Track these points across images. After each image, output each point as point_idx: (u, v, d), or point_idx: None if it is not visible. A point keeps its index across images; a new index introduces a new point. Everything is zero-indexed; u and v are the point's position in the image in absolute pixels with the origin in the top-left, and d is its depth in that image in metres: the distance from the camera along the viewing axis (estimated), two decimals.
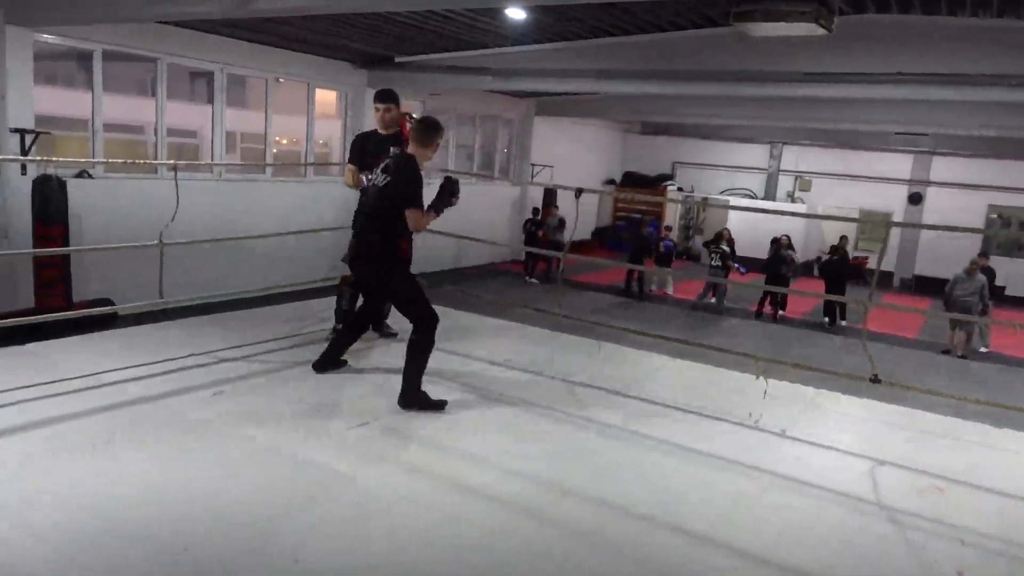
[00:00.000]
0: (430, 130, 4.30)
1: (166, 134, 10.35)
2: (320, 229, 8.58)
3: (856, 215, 18.80)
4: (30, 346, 4.70)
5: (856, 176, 20.11)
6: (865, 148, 19.39)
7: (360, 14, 8.94)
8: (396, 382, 4.30)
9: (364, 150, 5.07)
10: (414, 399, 4.15)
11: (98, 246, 7.69)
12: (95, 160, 9.39)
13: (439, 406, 4.20)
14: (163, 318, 5.69)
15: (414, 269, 4.51)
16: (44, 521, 2.80)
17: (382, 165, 4.34)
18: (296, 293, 6.73)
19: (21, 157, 8.16)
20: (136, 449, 3.43)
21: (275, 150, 12.33)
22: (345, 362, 4.77)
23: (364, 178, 4.90)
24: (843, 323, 13.44)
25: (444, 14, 9.37)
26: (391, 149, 4.76)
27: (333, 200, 12.67)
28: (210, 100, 11.04)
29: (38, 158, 8.25)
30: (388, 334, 5.50)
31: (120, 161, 7.23)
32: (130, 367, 4.40)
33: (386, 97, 5.07)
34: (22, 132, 8.28)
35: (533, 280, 15.31)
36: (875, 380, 4.63)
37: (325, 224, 11.00)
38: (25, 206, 8.25)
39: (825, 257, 14.54)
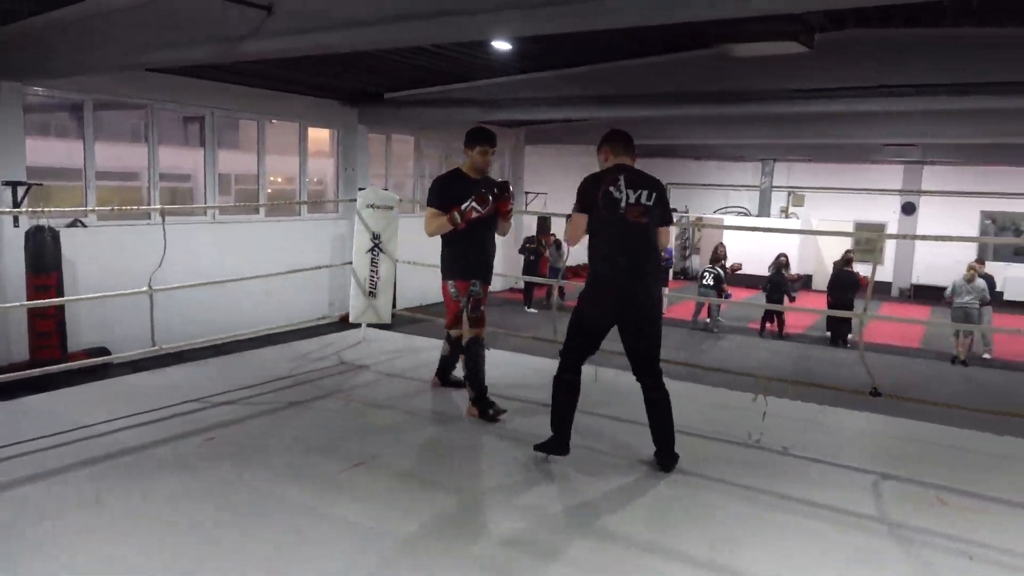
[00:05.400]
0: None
1: (159, 179, 10.43)
2: (316, 267, 8.58)
3: (850, 228, 18.84)
4: (28, 399, 4.68)
5: (848, 189, 20.22)
6: (855, 161, 19.49)
7: (346, 53, 9.05)
8: (391, 418, 4.27)
9: (453, 195, 4.50)
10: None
11: (89, 295, 7.66)
12: (87, 208, 9.43)
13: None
14: (158, 365, 5.67)
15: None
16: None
17: (623, 180, 3.75)
18: (292, 333, 6.71)
19: (13, 209, 8.21)
20: (126, 500, 3.38)
21: (269, 190, 12.39)
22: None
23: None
24: (851, 337, 12.91)
25: (430, 49, 9.48)
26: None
27: (329, 237, 12.75)
28: (202, 144, 11.14)
29: (30, 209, 8.31)
30: (457, 383, 5.04)
31: (109, 208, 7.26)
32: (124, 416, 4.37)
33: (493, 139, 4.62)
34: (14, 184, 8.35)
35: (532, 310, 15.21)
36: (875, 394, 4.62)
37: (321, 262, 11.02)
38: (18, 257, 8.28)
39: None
